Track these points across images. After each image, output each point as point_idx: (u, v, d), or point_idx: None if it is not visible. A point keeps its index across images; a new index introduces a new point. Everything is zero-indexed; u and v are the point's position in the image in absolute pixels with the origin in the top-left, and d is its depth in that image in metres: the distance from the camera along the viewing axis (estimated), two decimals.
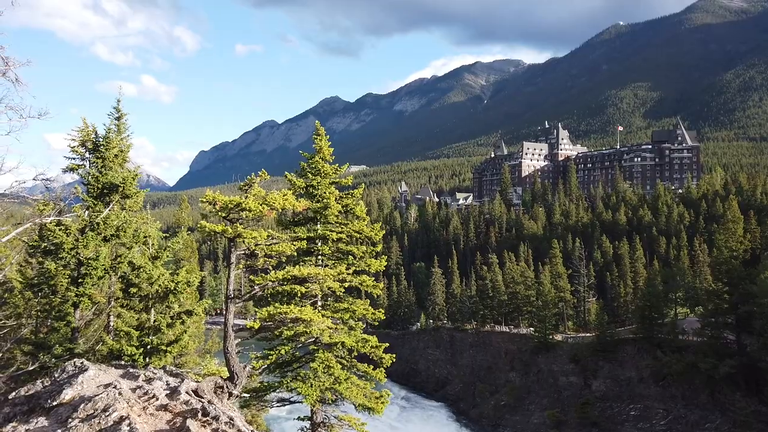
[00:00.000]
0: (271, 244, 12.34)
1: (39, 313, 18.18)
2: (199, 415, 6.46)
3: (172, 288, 16.75)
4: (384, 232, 22.09)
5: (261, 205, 11.63)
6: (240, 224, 11.92)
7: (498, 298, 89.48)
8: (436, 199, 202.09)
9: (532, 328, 78.32)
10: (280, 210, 12.26)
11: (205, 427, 6.28)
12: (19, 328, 18.32)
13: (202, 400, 7.21)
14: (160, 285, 16.73)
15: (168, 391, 7.26)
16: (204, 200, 11.82)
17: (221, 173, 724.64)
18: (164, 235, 20.02)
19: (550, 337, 72.66)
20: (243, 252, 12.36)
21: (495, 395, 74.17)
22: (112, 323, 18.12)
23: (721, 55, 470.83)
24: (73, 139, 17.58)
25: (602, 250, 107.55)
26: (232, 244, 12.04)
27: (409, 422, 68.87)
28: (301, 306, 15.33)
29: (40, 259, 17.63)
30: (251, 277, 14.00)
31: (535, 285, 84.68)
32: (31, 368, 16.50)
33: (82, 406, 6.48)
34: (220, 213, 11.73)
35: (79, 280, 16.97)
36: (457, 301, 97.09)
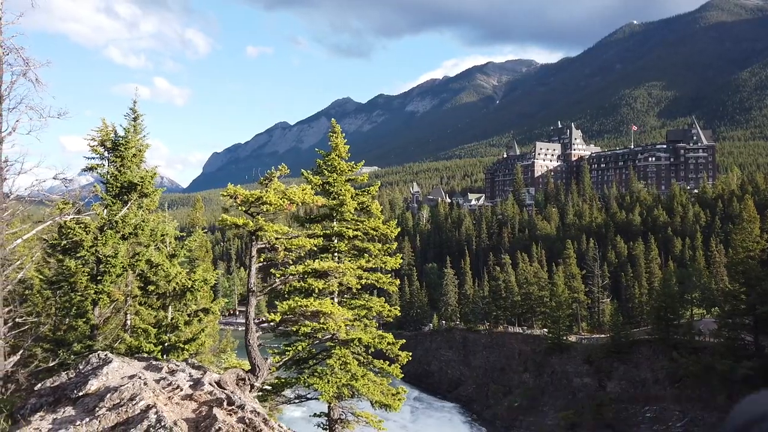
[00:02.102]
0: (291, 238, 12.40)
1: (58, 311, 18.43)
2: (225, 404, 6.53)
3: (189, 286, 16.90)
4: (398, 230, 22.09)
5: (281, 199, 11.72)
6: (260, 217, 12.02)
7: (511, 299, 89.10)
8: (448, 200, 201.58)
9: (545, 329, 77.84)
10: (300, 204, 12.35)
11: (231, 415, 6.33)
12: (39, 325, 18.56)
13: (226, 390, 7.27)
14: (177, 283, 16.88)
15: (191, 383, 7.33)
16: (225, 193, 11.94)
17: (234, 175, 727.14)
18: (180, 234, 20.20)
19: (564, 338, 72.15)
20: (263, 245, 12.44)
21: (508, 396, 73.83)
22: (130, 321, 18.32)
23: (736, 54, 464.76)
24: (93, 139, 17.82)
25: (616, 250, 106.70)
26: (253, 237, 12.14)
27: (423, 423, 68.70)
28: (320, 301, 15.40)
29: (60, 257, 17.87)
30: (272, 270, 14.10)
31: (549, 286, 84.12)
32: (51, 365, 16.73)
33: (108, 396, 6.57)
34: (240, 207, 11.84)
35: (98, 278, 17.18)
36: (470, 302, 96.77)
